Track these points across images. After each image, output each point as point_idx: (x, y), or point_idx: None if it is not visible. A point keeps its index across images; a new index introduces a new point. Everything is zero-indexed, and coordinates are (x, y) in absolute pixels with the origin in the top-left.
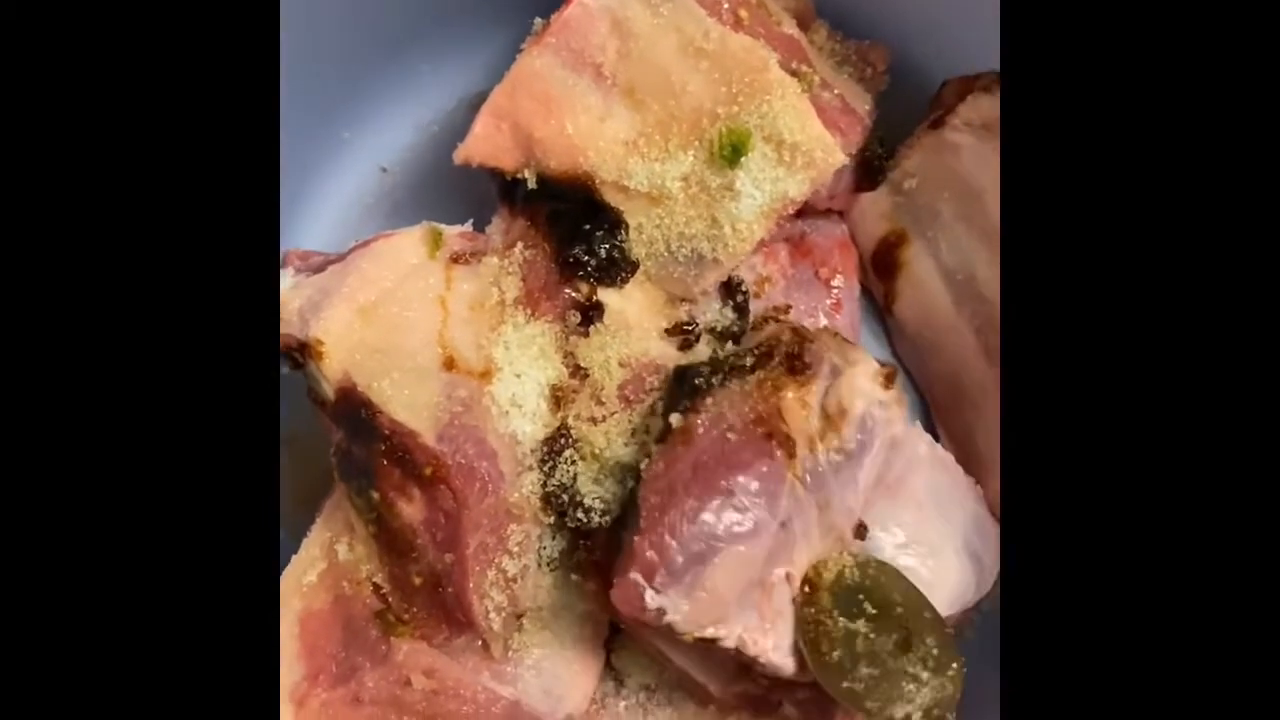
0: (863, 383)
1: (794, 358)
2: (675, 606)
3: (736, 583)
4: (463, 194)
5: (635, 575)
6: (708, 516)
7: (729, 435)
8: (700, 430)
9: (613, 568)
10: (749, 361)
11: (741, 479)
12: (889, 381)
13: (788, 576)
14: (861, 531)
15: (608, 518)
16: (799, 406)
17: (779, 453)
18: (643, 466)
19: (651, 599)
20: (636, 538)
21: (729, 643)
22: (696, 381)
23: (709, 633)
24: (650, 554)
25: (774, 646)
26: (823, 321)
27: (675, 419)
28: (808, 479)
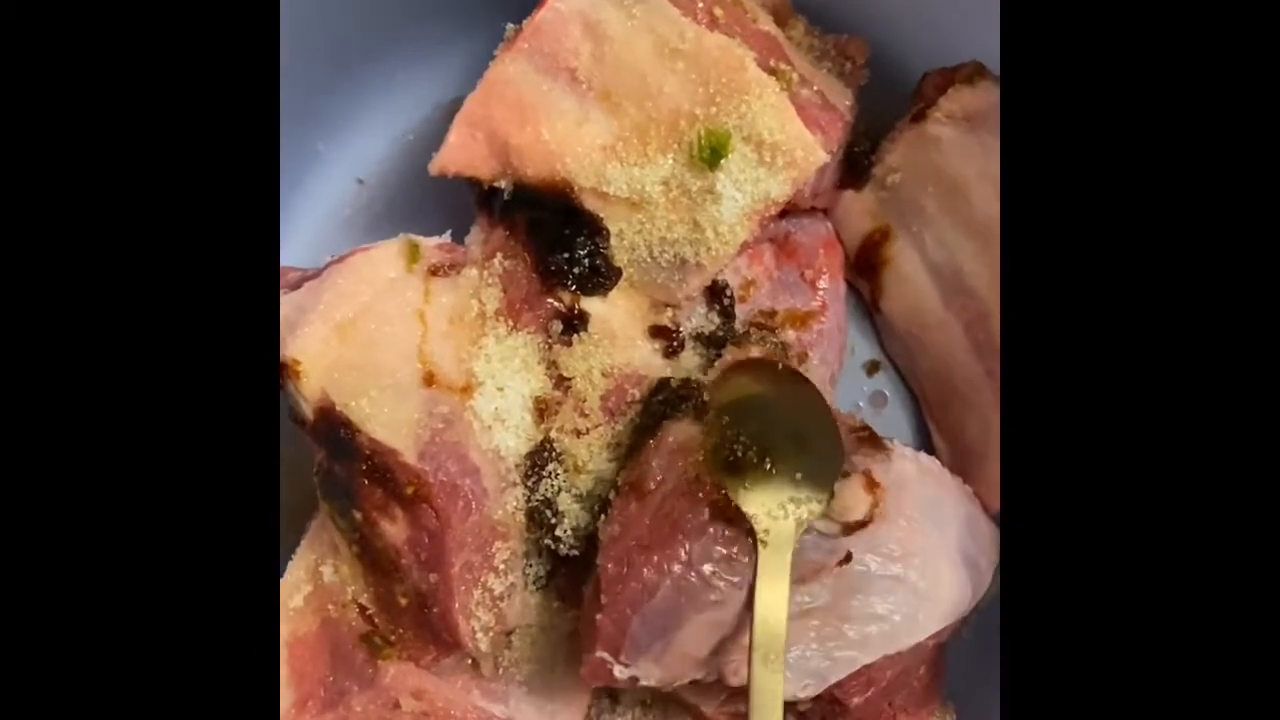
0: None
1: None
2: (647, 673)
3: (707, 643)
4: (443, 204)
5: (602, 654)
6: (666, 589)
7: (676, 498)
8: (650, 487)
9: (579, 628)
10: (705, 396)
11: (698, 547)
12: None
13: None
14: (847, 558)
15: (576, 550)
16: None
17: (726, 516)
18: (600, 527)
19: (621, 672)
20: (599, 615)
21: (710, 679)
22: (661, 407)
23: (687, 679)
24: (613, 630)
25: None
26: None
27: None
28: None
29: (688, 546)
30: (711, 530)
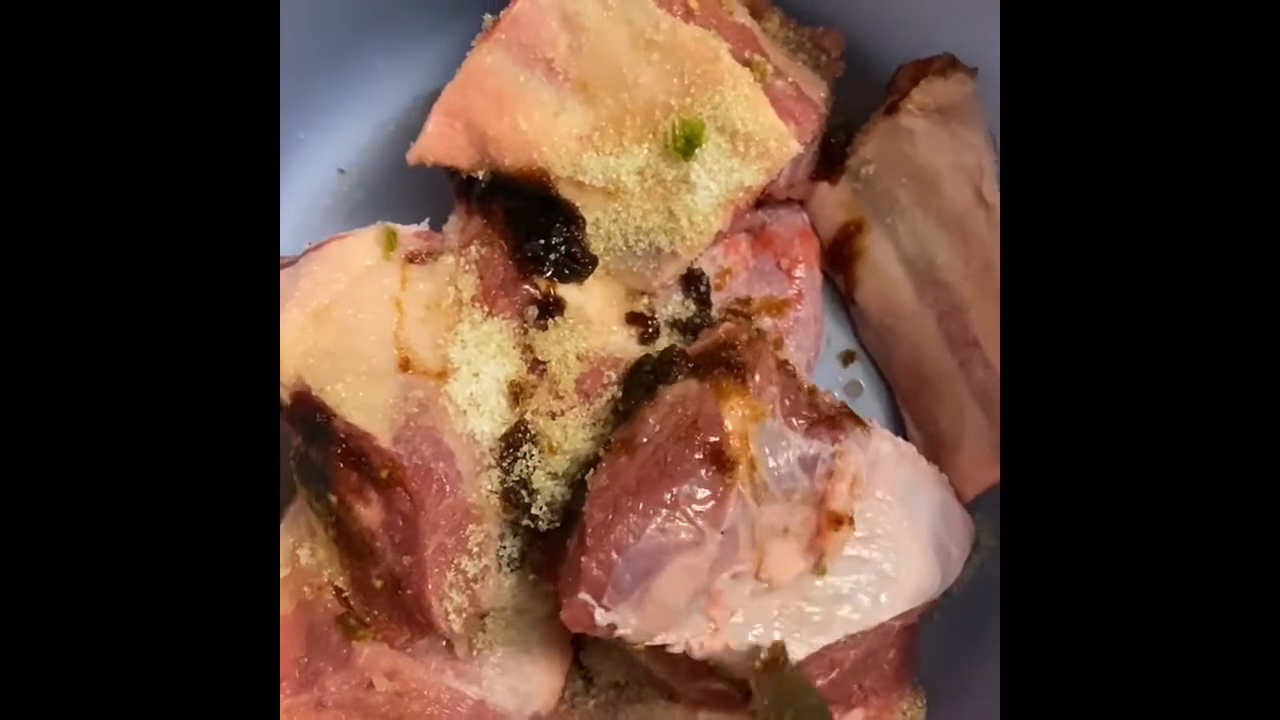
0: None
1: (736, 363)
2: (625, 621)
3: (683, 591)
4: (424, 193)
5: (584, 595)
6: (652, 531)
7: (671, 444)
8: (643, 440)
9: (560, 581)
10: (695, 362)
11: (684, 489)
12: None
13: (736, 576)
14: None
15: (557, 521)
16: (741, 412)
17: (717, 460)
18: (589, 479)
19: (601, 616)
20: (583, 557)
21: (677, 648)
22: (646, 377)
23: (659, 640)
24: (597, 572)
25: (724, 648)
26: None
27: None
28: (749, 486)
29: (674, 490)
30: (701, 473)
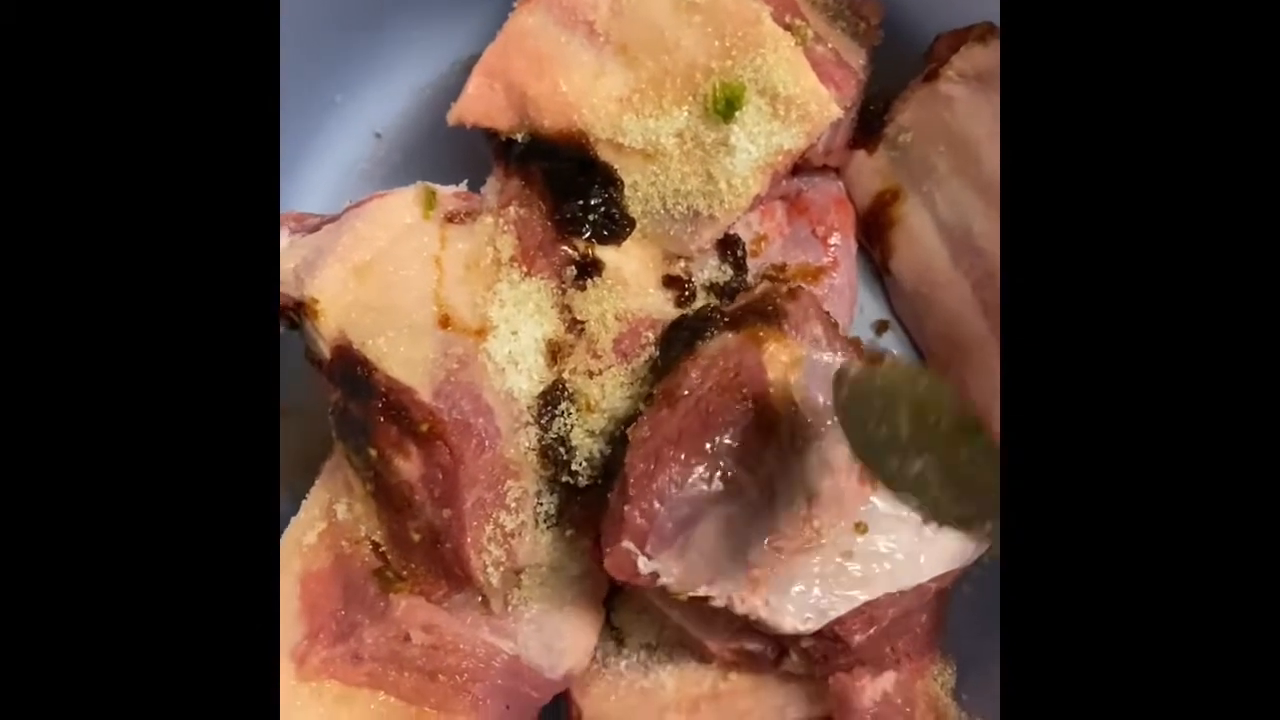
0: None
1: (775, 312)
2: (667, 570)
3: (724, 542)
4: (459, 158)
5: (628, 543)
6: (693, 480)
7: (713, 395)
8: (685, 392)
9: (602, 531)
10: (732, 317)
11: (724, 439)
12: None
13: (776, 531)
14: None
15: (597, 478)
16: (781, 359)
17: (759, 408)
18: (630, 431)
19: (644, 565)
20: (626, 506)
21: (719, 601)
22: (684, 334)
23: (701, 591)
24: (640, 521)
25: (764, 604)
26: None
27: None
28: (789, 434)
29: (716, 439)
30: (743, 424)
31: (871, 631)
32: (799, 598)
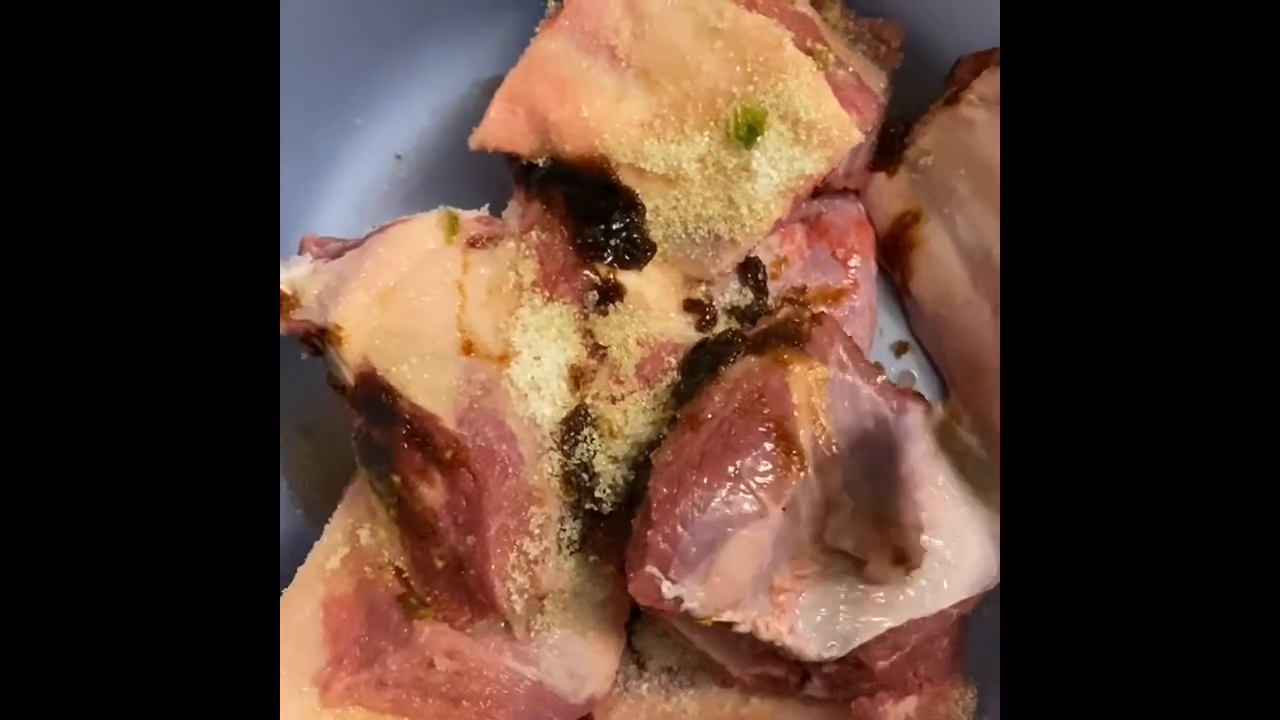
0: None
1: (799, 336)
2: (691, 594)
3: (748, 567)
4: (479, 180)
5: (651, 568)
6: (716, 504)
7: (736, 418)
8: (708, 416)
9: (626, 556)
10: (755, 341)
11: (747, 462)
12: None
13: (801, 555)
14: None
15: (620, 503)
16: (805, 381)
17: (781, 432)
18: (653, 455)
19: (668, 590)
20: (649, 531)
21: (744, 627)
22: (706, 358)
23: (725, 617)
24: (664, 546)
25: (789, 630)
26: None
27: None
28: (811, 460)
29: (738, 462)
30: (766, 446)
31: (895, 657)
32: (823, 624)
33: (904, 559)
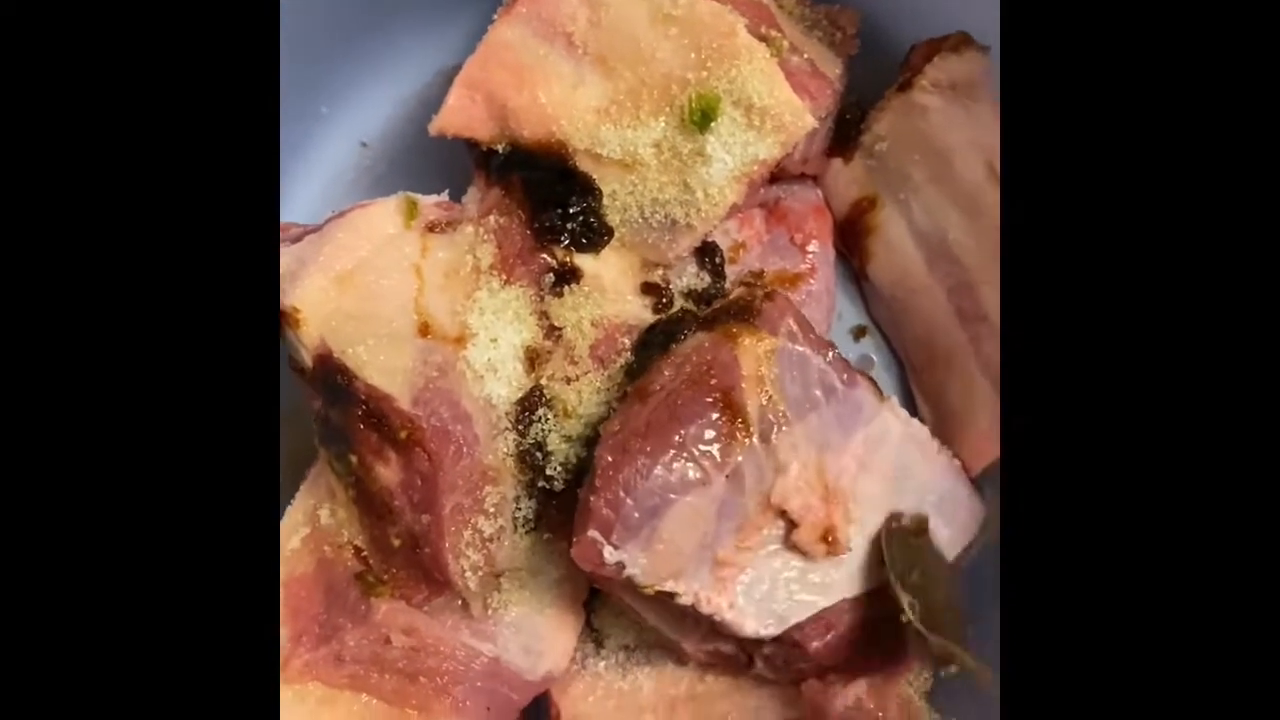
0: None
1: (750, 311)
2: (634, 560)
3: (691, 534)
4: (444, 166)
5: (593, 533)
6: (659, 470)
7: (683, 389)
8: (656, 388)
9: (574, 525)
10: (707, 318)
11: (692, 431)
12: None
13: (742, 530)
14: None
15: (573, 482)
16: (754, 352)
17: (728, 402)
18: (602, 427)
19: (610, 554)
20: (593, 497)
21: (686, 599)
22: (659, 336)
23: (668, 586)
24: (606, 511)
25: (729, 605)
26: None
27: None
28: (757, 429)
29: (684, 431)
30: (712, 416)
31: (829, 638)
32: (762, 602)
33: (830, 538)
